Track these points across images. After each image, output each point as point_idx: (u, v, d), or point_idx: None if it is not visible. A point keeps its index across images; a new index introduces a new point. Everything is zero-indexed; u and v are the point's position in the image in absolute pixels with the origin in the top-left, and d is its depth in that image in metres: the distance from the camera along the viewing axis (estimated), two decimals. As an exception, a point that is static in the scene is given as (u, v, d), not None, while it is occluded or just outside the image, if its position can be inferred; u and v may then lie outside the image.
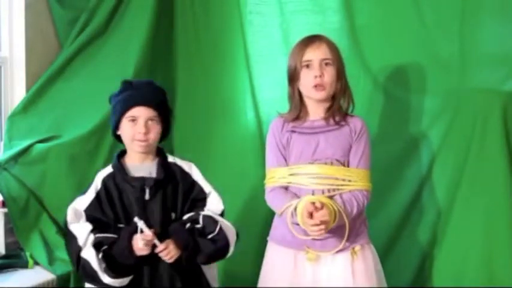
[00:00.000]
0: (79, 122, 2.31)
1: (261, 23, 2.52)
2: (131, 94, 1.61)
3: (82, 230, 1.53)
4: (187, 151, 2.64)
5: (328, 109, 1.76)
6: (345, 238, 1.67)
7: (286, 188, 1.78)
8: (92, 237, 1.52)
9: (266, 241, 1.87)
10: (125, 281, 1.53)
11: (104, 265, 1.49)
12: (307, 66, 1.72)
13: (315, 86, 1.71)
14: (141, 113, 1.59)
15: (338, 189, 1.71)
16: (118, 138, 1.68)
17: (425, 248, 2.17)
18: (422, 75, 2.18)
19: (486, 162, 2.01)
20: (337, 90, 1.75)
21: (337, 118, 1.75)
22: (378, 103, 2.26)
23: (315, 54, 1.72)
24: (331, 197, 1.68)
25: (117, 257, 1.50)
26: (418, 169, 2.19)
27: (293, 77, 1.77)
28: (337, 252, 1.71)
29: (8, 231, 2.10)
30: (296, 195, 1.73)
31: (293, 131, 1.78)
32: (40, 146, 2.19)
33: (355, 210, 1.69)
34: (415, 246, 2.18)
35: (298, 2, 2.42)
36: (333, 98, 1.76)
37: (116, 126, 1.63)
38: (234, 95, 2.58)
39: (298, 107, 1.78)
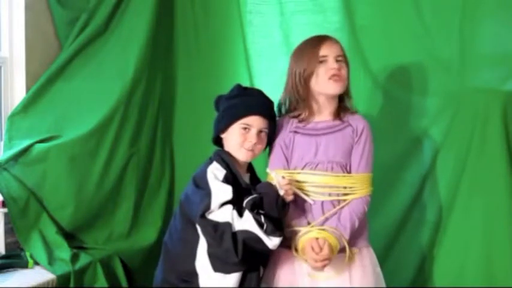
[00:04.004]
0: (79, 122, 2.31)
1: (261, 23, 2.52)
2: (248, 101, 1.56)
3: (222, 212, 1.46)
4: (188, 152, 2.65)
5: (336, 109, 1.76)
6: (346, 259, 1.66)
7: None
8: (235, 213, 1.46)
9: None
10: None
11: (266, 225, 1.45)
12: (322, 62, 1.70)
13: (333, 76, 1.67)
14: (255, 122, 1.55)
15: (338, 197, 1.70)
16: (216, 141, 1.63)
17: (425, 247, 2.17)
18: (422, 75, 2.18)
19: (486, 162, 2.01)
20: (346, 89, 1.76)
21: (342, 118, 1.75)
22: (378, 103, 2.26)
23: (331, 50, 1.71)
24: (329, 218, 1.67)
25: (270, 211, 1.47)
26: (418, 169, 2.18)
27: (307, 77, 1.71)
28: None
29: (8, 231, 2.10)
30: (296, 219, 1.69)
31: (296, 132, 1.75)
32: (40, 146, 2.18)
33: (356, 224, 1.69)
34: (415, 245, 2.19)
35: (298, 2, 2.43)
36: (339, 98, 1.76)
37: (223, 129, 1.57)
38: (234, 95, 2.58)
39: (305, 106, 1.75)
